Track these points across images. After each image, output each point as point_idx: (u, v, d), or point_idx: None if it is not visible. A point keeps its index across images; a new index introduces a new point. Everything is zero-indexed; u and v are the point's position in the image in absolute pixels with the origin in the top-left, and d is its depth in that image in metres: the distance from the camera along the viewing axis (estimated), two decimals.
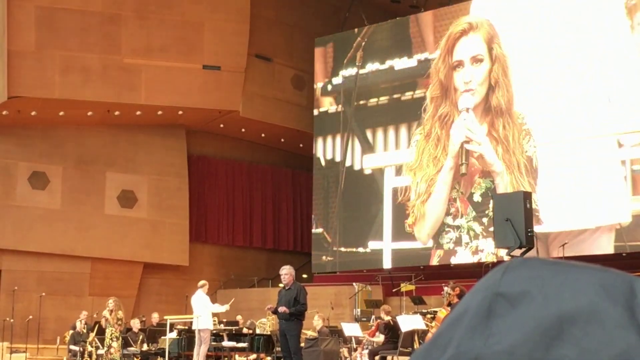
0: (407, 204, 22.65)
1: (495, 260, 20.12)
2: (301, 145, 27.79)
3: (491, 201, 20.48)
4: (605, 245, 19.24)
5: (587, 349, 0.81)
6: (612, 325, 0.82)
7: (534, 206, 19.67)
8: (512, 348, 0.83)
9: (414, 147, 22.72)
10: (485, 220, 20.93)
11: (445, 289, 19.42)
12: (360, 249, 23.63)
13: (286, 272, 14.63)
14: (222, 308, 17.52)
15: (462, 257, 21.42)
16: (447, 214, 21.84)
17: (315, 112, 25.43)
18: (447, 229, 21.80)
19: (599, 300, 0.84)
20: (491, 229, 20.63)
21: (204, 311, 16.92)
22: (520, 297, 0.86)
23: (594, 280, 0.86)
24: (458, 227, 21.60)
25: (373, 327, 17.58)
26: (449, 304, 14.73)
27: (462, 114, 21.62)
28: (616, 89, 19.27)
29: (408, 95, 23.24)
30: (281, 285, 15.20)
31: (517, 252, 11.57)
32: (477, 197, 21.34)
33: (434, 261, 22.05)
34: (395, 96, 23.58)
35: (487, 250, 20.94)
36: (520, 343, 0.83)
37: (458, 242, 21.56)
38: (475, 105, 21.52)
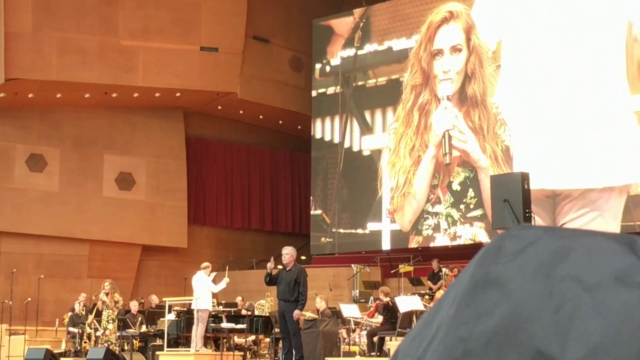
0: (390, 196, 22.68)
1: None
2: (299, 126, 27.75)
3: (470, 189, 20.70)
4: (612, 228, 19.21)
5: (591, 266, 0.83)
6: (612, 252, 0.86)
7: None
8: (522, 265, 0.85)
9: (392, 136, 22.71)
10: (462, 207, 21.03)
11: (444, 269, 19.49)
12: (359, 231, 23.62)
13: (287, 253, 14.62)
14: (222, 284, 17.55)
15: (440, 243, 21.52)
16: (427, 201, 21.88)
17: (314, 93, 25.38)
18: (425, 216, 21.86)
19: (600, 238, 0.87)
20: (469, 215, 20.80)
21: (203, 292, 16.93)
22: (527, 245, 0.88)
23: (595, 233, 0.89)
24: (437, 214, 21.64)
25: (372, 308, 17.60)
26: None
27: (442, 102, 21.61)
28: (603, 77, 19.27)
29: (406, 76, 23.17)
30: (280, 267, 15.18)
31: None
32: (455, 186, 21.34)
33: (412, 246, 22.12)
34: (393, 77, 23.52)
35: (465, 237, 21.05)
36: (529, 262, 0.86)
37: (437, 228, 21.61)
38: (452, 94, 21.53)
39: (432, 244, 21.67)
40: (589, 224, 19.14)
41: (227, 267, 18.35)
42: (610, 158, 19.05)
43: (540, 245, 0.87)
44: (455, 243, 21.21)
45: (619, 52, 19.33)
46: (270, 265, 14.64)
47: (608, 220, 19.10)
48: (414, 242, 22.05)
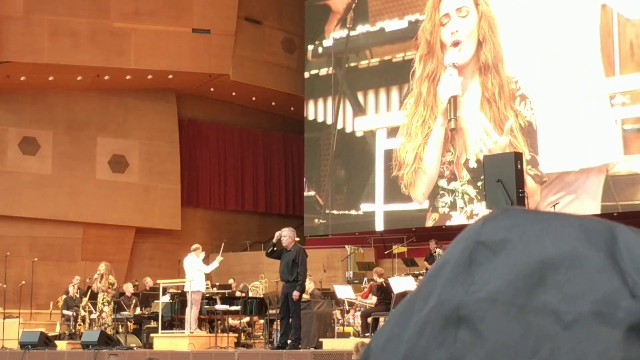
0: (399, 174, 22.58)
1: None
2: (292, 108, 27.73)
3: None
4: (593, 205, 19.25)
5: (569, 293, 0.81)
6: (593, 270, 0.82)
7: (536, 173, 19.79)
8: (494, 295, 0.83)
9: (406, 113, 22.62)
10: (479, 184, 20.88)
11: (437, 250, 19.53)
12: (353, 212, 23.64)
13: (285, 235, 14.66)
14: (214, 264, 17.61)
15: (457, 221, 21.37)
16: (442, 176, 21.78)
17: (306, 74, 25.34)
18: (441, 192, 21.76)
19: (580, 246, 0.83)
20: None
21: (196, 274, 16.97)
22: (500, 244, 0.85)
23: (575, 227, 0.86)
24: (453, 191, 21.55)
25: (366, 289, 17.64)
26: None
27: (448, 69, 21.56)
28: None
29: (399, 57, 23.15)
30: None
31: None
32: (472, 164, 21.22)
33: (429, 224, 22.05)
34: (386, 58, 23.49)
35: (482, 215, 20.88)
36: (503, 290, 0.83)
37: (453, 206, 21.54)
38: (465, 63, 21.43)
39: (448, 222, 21.56)
40: (566, 206, 19.19)
41: (222, 248, 18.39)
42: (588, 140, 19.12)
43: (515, 258, 0.84)
44: (472, 222, 21.03)
45: (594, 36, 19.39)
46: (277, 234, 14.68)
47: (586, 202, 19.16)
48: (431, 220, 21.96)
